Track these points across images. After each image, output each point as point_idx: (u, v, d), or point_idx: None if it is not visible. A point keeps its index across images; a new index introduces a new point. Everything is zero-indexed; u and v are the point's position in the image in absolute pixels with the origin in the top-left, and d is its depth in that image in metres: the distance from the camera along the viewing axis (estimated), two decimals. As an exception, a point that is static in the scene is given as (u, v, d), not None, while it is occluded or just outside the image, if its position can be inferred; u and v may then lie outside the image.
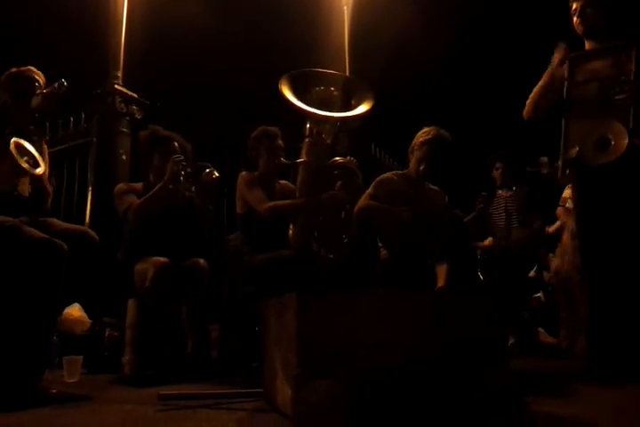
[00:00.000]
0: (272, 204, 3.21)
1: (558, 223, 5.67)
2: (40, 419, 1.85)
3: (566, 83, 2.95)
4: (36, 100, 2.65)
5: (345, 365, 1.61)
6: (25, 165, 2.46)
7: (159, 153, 3.33)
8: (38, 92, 2.69)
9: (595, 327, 2.85)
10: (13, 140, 2.44)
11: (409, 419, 1.62)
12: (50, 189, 2.84)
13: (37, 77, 2.78)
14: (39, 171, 2.58)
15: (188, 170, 3.13)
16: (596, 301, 2.83)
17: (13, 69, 2.80)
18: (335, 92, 2.87)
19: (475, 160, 5.21)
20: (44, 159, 2.77)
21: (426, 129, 3.48)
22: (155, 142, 3.37)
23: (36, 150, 2.66)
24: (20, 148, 2.47)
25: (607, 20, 2.96)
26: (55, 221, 2.72)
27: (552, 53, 3.06)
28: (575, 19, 3.00)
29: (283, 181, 3.61)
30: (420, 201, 3.36)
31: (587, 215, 2.90)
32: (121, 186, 3.38)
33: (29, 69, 2.80)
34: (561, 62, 3.00)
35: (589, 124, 2.85)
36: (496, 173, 5.05)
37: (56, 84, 2.65)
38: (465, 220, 4.66)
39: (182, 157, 3.16)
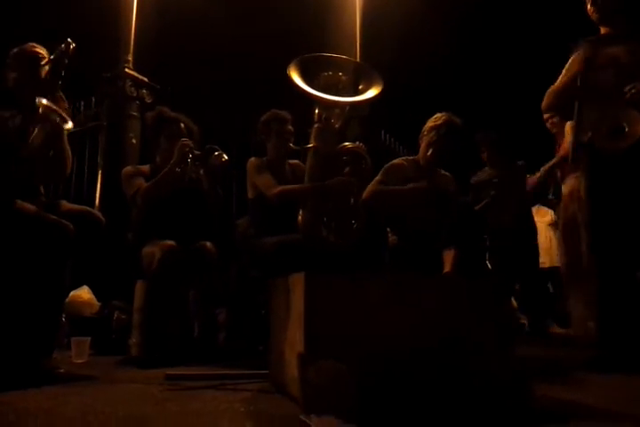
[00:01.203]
0: (281, 188, 3.20)
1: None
2: (47, 397, 1.86)
3: (582, 66, 2.90)
4: (44, 70, 2.61)
5: (351, 346, 1.60)
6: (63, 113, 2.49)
7: (166, 135, 3.33)
8: (44, 62, 2.63)
9: (604, 317, 2.83)
10: (37, 100, 2.43)
11: (414, 402, 1.62)
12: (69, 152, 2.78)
13: (39, 50, 2.70)
14: (69, 126, 2.55)
15: (197, 153, 3.13)
16: (606, 290, 2.81)
17: (15, 49, 2.73)
18: (344, 78, 2.84)
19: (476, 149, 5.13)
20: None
21: (437, 115, 3.46)
22: (161, 124, 3.36)
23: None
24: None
25: (622, 7, 2.91)
26: (63, 202, 2.73)
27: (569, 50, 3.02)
28: (589, 6, 2.96)
29: (293, 161, 3.59)
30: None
31: (597, 202, 2.87)
32: (128, 169, 3.38)
33: (31, 45, 2.72)
34: (586, 59, 2.94)
35: (604, 109, 2.81)
36: (483, 156, 4.97)
37: (62, 46, 2.60)
38: (477, 207, 4.63)
39: (190, 141, 3.16)
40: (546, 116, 4.36)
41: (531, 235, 5.04)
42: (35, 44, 2.72)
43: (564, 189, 3.93)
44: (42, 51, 2.71)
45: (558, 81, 3.04)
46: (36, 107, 2.53)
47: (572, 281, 3.94)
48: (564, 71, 3.03)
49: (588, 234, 2.94)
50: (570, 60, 3.01)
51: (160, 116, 3.39)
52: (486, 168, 4.96)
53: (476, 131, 4.90)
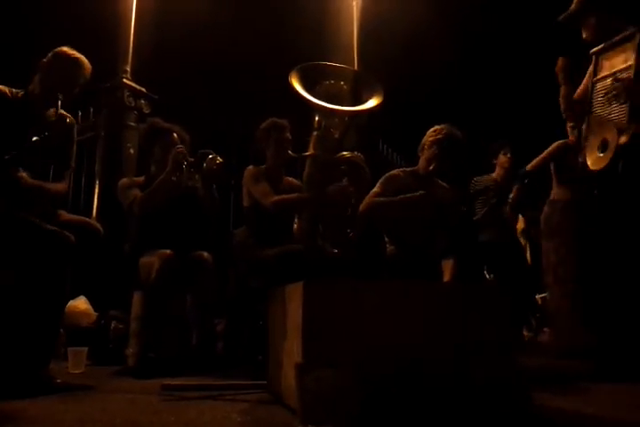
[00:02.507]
0: (278, 197, 3.20)
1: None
2: (44, 406, 1.86)
3: (590, 80, 2.91)
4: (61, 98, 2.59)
5: (350, 355, 1.60)
6: None
7: (160, 145, 3.35)
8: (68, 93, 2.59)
9: (603, 326, 2.83)
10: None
11: (414, 411, 1.61)
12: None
13: (83, 73, 2.63)
14: None
15: (191, 160, 3.14)
16: (604, 300, 2.81)
17: (63, 50, 2.60)
18: (345, 87, 2.84)
19: (485, 156, 5.08)
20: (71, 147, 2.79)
21: (436, 127, 3.39)
22: (155, 134, 3.39)
23: (61, 140, 2.69)
24: None
25: (613, 27, 2.90)
26: (61, 212, 2.73)
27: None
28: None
29: (289, 178, 3.61)
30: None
31: (607, 220, 2.86)
32: (124, 181, 3.40)
33: (81, 61, 2.62)
34: (563, 72, 2.98)
35: (597, 125, 2.81)
36: (504, 159, 4.78)
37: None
38: (477, 216, 4.61)
39: (183, 148, 3.17)
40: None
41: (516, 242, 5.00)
42: (84, 62, 2.64)
43: (552, 196, 3.90)
44: (85, 73, 2.65)
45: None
46: (47, 118, 2.55)
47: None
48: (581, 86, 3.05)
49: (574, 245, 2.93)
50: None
51: (153, 127, 3.43)
52: (493, 175, 4.85)
53: (479, 141, 4.84)
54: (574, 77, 3.03)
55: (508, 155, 4.76)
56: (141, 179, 3.39)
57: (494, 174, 4.80)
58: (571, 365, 3.19)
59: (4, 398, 1.94)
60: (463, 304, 1.79)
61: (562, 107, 3.07)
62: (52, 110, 2.64)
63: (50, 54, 2.63)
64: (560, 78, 3.02)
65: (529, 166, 4.39)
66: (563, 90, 3.04)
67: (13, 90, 2.62)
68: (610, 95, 2.73)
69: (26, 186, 2.48)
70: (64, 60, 2.60)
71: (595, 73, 2.90)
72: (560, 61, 3.02)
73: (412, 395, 1.62)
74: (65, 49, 2.62)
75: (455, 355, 1.71)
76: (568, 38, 3.07)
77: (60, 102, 2.57)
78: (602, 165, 2.73)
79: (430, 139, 3.37)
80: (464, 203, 4.12)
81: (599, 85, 2.87)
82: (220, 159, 3.16)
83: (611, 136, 2.70)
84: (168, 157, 3.14)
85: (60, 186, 2.71)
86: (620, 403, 2.06)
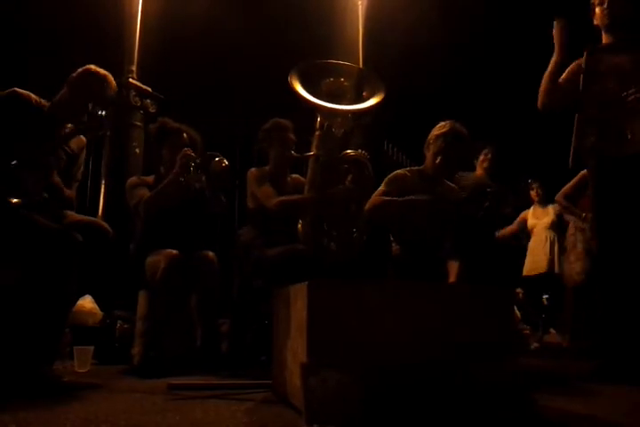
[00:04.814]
0: (281, 199, 3.20)
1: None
2: (49, 406, 1.86)
3: (583, 74, 2.91)
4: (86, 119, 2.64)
5: (354, 355, 1.60)
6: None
7: (169, 145, 3.34)
8: (94, 112, 2.64)
9: (604, 327, 2.82)
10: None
11: (417, 411, 1.61)
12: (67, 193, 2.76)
13: (110, 92, 2.71)
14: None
15: (198, 161, 3.14)
16: (608, 299, 2.80)
17: (92, 68, 2.67)
18: (346, 84, 2.82)
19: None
20: (80, 155, 2.87)
21: (442, 123, 3.39)
22: (164, 135, 3.38)
23: (72, 150, 2.79)
24: None
25: (633, 13, 2.91)
26: (69, 212, 2.74)
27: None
28: (599, 10, 2.97)
29: (294, 175, 3.61)
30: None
31: (603, 207, 2.87)
32: (132, 179, 3.40)
33: (109, 80, 2.70)
34: (562, 36, 2.96)
35: (607, 117, 2.82)
36: (483, 158, 4.64)
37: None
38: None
39: (191, 150, 3.17)
40: None
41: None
42: (110, 79, 2.70)
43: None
44: (110, 89, 2.71)
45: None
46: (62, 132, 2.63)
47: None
48: (564, 74, 3.06)
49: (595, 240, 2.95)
50: (573, 64, 3.03)
51: (163, 127, 3.41)
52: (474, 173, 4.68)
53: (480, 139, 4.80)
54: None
55: (489, 155, 4.64)
56: (151, 178, 3.40)
57: (477, 173, 4.71)
58: (573, 366, 3.19)
59: (9, 398, 1.95)
60: (467, 305, 1.79)
61: (546, 82, 3.05)
62: (69, 125, 2.70)
63: (79, 71, 2.68)
64: (556, 44, 2.99)
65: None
66: (554, 62, 3.04)
67: (38, 99, 2.65)
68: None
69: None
70: (94, 78, 2.67)
71: (588, 69, 2.92)
72: (558, 23, 3.00)
73: (415, 395, 1.62)
74: (94, 67, 2.69)
75: (458, 355, 1.71)
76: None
77: (86, 116, 2.63)
78: (622, 154, 2.75)
79: (436, 133, 3.36)
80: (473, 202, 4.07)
81: (600, 81, 2.88)
82: (226, 162, 3.17)
83: (631, 129, 2.73)
84: (177, 159, 3.15)
85: (72, 193, 2.79)
86: (622, 405, 2.06)
